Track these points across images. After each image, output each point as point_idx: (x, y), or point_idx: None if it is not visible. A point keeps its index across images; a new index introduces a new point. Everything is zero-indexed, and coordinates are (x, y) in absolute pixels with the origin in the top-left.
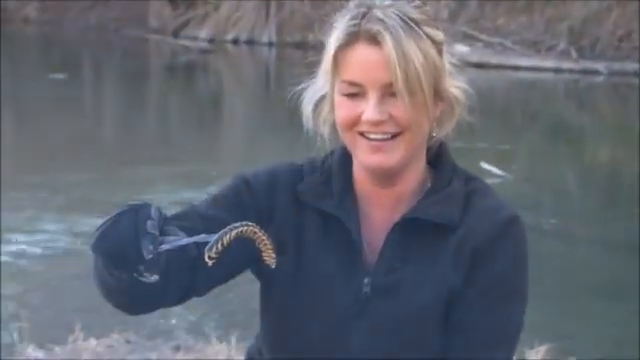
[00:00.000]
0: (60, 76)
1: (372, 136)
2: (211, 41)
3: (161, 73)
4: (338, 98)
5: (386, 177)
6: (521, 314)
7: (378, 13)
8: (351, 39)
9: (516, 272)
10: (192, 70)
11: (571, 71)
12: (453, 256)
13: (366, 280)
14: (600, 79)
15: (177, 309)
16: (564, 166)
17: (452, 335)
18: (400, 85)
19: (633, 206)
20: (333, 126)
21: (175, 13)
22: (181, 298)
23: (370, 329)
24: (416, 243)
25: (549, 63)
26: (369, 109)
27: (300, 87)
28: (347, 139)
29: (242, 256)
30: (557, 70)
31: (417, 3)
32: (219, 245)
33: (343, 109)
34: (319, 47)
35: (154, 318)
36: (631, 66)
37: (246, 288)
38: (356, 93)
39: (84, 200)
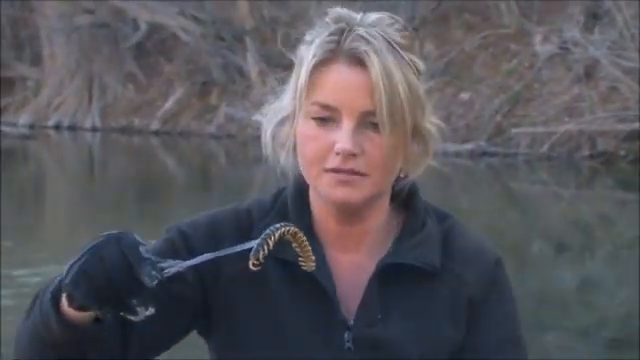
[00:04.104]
0: None
1: (339, 175)
2: (31, 127)
3: None
4: (305, 124)
5: (349, 213)
6: (526, 355)
7: (361, 31)
8: (329, 57)
9: (516, 314)
10: (11, 156)
11: None
12: (447, 308)
13: (346, 335)
14: None
15: None
16: None
17: None
18: (384, 115)
19: None
20: (291, 151)
21: None
22: None
23: None
24: (397, 292)
25: None
26: (343, 137)
27: (265, 107)
28: (310, 172)
29: (185, 315)
30: None
31: (399, 26)
32: (265, 248)
33: (312, 140)
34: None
35: None
36: (452, 147)
37: None
38: (326, 118)
39: None
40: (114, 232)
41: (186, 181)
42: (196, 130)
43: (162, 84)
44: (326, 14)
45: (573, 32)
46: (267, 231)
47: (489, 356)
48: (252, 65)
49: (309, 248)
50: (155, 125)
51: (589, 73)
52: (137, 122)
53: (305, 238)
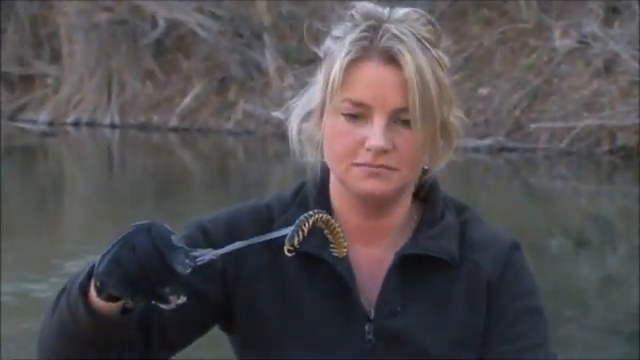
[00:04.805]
0: None
1: (369, 168)
2: (51, 124)
3: None
4: (335, 119)
5: (375, 207)
6: (546, 326)
7: (393, 29)
8: (362, 55)
9: (535, 289)
10: (31, 153)
11: None
12: (466, 297)
13: (367, 327)
14: None
15: None
16: None
17: None
18: (417, 113)
19: None
20: (319, 145)
21: (11, 97)
22: None
23: None
24: (416, 283)
25: None
26: (375, 134)
27: (292, 100)
28: (338, 166)
29: (206, 311)
30: None
31: (426, 19)
32: (300, 234)
33: (342, 136)
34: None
35: None
36: (471, 142)
37: None
38: (357, 115)
39: None
40: (144, 222)
41: (205, 177)
42: (214, 126)
43: (180, 81)
44: (353, 7)
45: (592, 26)
46: (301, 217)
47: (508, 328)
48: (270, 61)
49: (341, 234)
50: (174, 122)
51: (609, 68)
52: (156, 119)
53: (337, 225)
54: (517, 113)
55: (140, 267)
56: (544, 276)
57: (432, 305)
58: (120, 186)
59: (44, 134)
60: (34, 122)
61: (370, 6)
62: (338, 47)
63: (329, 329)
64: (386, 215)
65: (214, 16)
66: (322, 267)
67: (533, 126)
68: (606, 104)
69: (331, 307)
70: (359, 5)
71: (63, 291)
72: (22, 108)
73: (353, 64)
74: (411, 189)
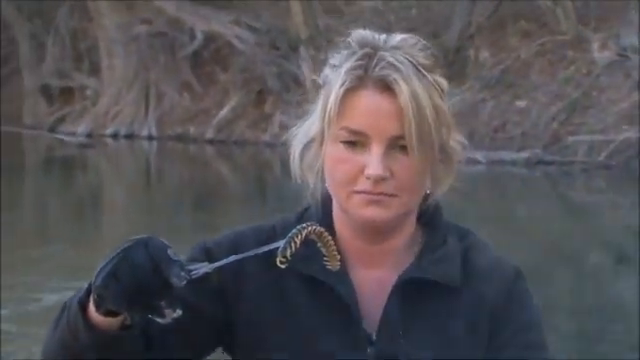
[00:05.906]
0: None
1: (369, 195)
2: (89, 136)
3: (37, 168)
4: (334, 147)
5: (377, 232)
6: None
7: (388, 57)
8: (357, 83)
9: (539, 321)
10: (71, 165)
11: None
12: (467, 323)
13: (369, 350)
14: (480, 168)
15: None
16: None
17: None
18: (414, 140)
19: None
20: (319, 173)
21: (51, 109)
22: None
23: None
24: (418, 307)
25: None
26: (373, 163)
27: (294, 128)
28: (339, 194)
29: (206, 331)
30: None
31: (422, 45)
32: (292, 246)
33: (341, 164)
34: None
35: None
36: (508, 155)
37: None
38: (355, 142)
39: None
40: (142, 236)
41: (241, 189)
42: (251, 138)
43: (217, 93)
44: (349, 35)
45: (631, 38)
46: (294, 230)
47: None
48: (307, 74)
49: (334, 247)
50: (210, 133)
51: None
52: (193, 130)
53: (330, 238)
54: (555, 126)
55: (136, 280)
56: (582, 291)
57: (433, 329)
58: (157, 197)
59: (83, 146)
60: (73, 134)
61: (366, 33)
62: (335, 76)
63: (333, 350)
64: (388, 239)
65: (251, 28)
66: (324, 289)
67: (571, 139)
68: None
69: (333, 329)
70: (355, 32)
71: (64, 308)
72: (61, 120)
73: (349, 93)
74: (414, 214)
